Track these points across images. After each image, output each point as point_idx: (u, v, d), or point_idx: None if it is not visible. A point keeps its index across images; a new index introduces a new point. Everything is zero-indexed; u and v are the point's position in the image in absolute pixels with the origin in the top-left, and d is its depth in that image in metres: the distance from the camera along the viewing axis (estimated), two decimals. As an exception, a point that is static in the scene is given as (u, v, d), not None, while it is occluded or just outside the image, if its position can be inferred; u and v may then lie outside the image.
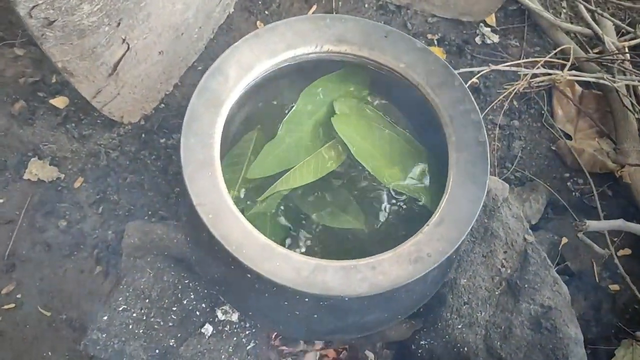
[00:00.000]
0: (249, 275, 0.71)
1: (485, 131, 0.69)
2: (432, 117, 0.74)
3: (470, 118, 0.70)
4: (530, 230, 1.01)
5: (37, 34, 0.97)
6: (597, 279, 1.31)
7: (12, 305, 1.24)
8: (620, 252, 1.34)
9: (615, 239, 1.33)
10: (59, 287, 1.27)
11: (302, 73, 0.80)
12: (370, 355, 1.12)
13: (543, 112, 1.54)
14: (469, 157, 0.68)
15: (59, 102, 1.43)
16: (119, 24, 1.11)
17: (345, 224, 0.76)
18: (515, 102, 1.57)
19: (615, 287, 1.31)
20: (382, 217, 0.76)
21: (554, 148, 1.50)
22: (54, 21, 0.95)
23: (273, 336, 1.13)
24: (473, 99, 0.71)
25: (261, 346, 1.03)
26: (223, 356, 1.00)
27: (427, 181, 0.77)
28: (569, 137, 1.50)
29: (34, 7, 0.89)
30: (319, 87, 0.80)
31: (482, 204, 0.65)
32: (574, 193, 1.44)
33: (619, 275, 1.33)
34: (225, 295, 0.80)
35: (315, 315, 0.71)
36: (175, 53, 1.41)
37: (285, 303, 0.70)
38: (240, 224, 0.63)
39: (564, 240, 1.34)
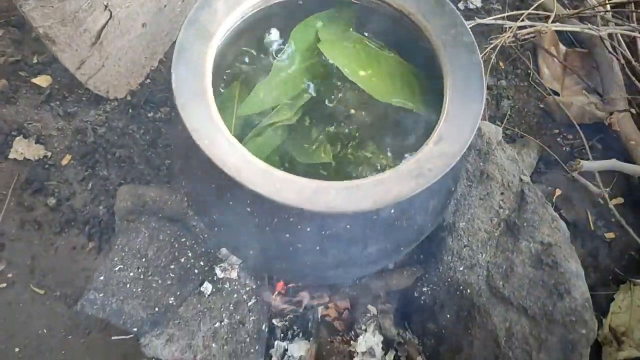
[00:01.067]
0: (248, 209, 0.69)
1: (478, 52, 0.69)
2: (424, 44, 0.74)
3: (463, 40, 0.70)
4: (525, 171, 1.01)
5: (17, -6, 0.95)
6: (592, 227, 1.31)
7: (4, 284, 1.21)
8: (614, 202, 1.35)
9: (607, 189, 1.34)
10: (51, 265, 1.24)
11: (292, 11, 0.80)
12: (373, 309, 1.11)
13: (529, 71, 1.55)
14: (463, 77, 0.68)
15: (42, 80, 1.41)
16: (100, -13, 1.09)
17: (314, 159, 0.74)
18: (501, 64, 1.58)
19: (610, 235, 1.32)
20: (376, 142, 0.75)
21: (542, 106, 1.51)
22: (34, -21, 0.93)
23: (274, 295, 1.12)
24: (465, 22, 0.71)
25: (262, 303, 1.02)
26: (224, 314, 0.99)
27: (421, 96, 0.76)
28: (557, 94, 1.52)
29: (12, -38, 0.87)
30: (309, 25, 0.80)
31: (480, 120, 0.65)
32: (564, 148, 1.45)
33: (614, 224, 1.34)
34: (223, 237, 0.78)
35: (318, 248, 0.70)
36: (158, 26, 1.39)
37: (287, 236, 0.69)
38: (237, 151, 0.62)
39: (558, 191, 1.35)
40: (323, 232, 0.69)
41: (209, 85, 0.66)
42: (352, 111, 0.77)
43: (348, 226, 0.69)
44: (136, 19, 1.28)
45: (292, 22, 0.81)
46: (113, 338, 1.17)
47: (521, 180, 1.00)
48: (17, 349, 1.15)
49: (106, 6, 1.14)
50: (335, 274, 0.76)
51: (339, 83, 0.79)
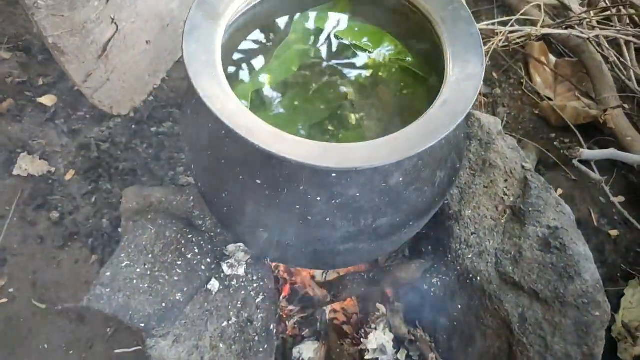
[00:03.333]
0: (258, 182, 0.70)
1: (476, 24, 0.72)
2: (424, 24, 0.77)
3: (461, 15, 0.73)
4: (527, 159, 1.03)
5: (29, 3, 0.98)
6: (596, 224, 1.32)
7: (5, 300, 1.19)
8: (615, 200, 1.35)
9: (605, 177, 1.35)
10: (54, 279, 1.22)
11: (296, 2, 0.84)
12: (382, 308, 1.10)
13: (522, 80, 1.60)
14: (463, 47, 0.70)
15: (47, 100, 1.44)
16: (107, 0, 1.13)
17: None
18: (494, 74, 1.62)
19: (614, 232, 1.32)
20: (380, 109, 0.77)
21: (537, 112, 1.55)
22: (46, -13, 0.97)
23: (280, 297, 1.10)
24: (461, -1, 0.75)
25: (270, 300, 1.00)
26: (232, 313, 0.97)
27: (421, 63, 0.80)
28: (551, 100, 1.56)
29: (26, -31, 0.91)
30: (309, 18, 0.84)
31: (481, 81, 0.66)
32: (561, 150, 1.47)
33: (617, 222, 1.35)
34: (232, 220, 0.78)
35: (328, 219, 0.70)
36: (162, 44, 1.44)
37: (297, 207, 0.70)
38: (247, 115, 0.63)
39: (560, 191, 1.36)
40: (333, 202, 0.69)
41: (219, 59, 0.68)
42: (352, 90, 0.80)
43: (357, 194, 0.69)
44: (140, 35, 1.33)
45: (297, 11, 0.85)
46: (116, 351, 1.14)
47: (523, 167, 1.01)
48: (17, 365, 1.12)
49: (113, 19, 1.19)
50: (345, 250, 0.76)
51: (336, 67, 0.82)
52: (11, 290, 1.20)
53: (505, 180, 1.01)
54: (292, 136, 0.63)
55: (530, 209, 0.97)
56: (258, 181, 0.70)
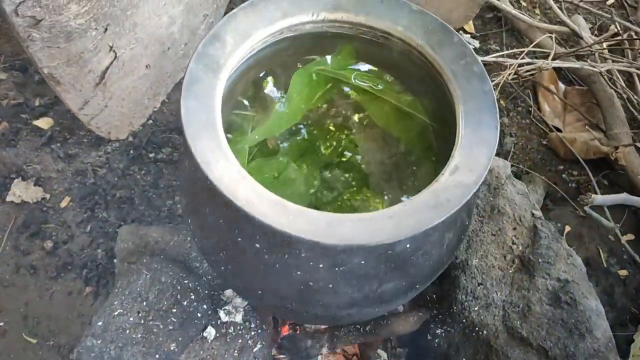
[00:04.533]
0: (257, 245, 0.66)
1: (489, 81, 0.68)
2: (434, 76, 0.73)
3: (473, 70, 0.70)
4: (537, 205, 0.99)
5: (24, 35, 0.95)
6: (605, 264, 1.28)
7: (-6, 334, 1.15)
8: (624, 238, 1.32)
9: (618, 225, 1.31)
10: (46, 312, 1.19)
11: (300, 46, 0.80)
12: (383, 354, 1.06)
13: (530, 109, 1.56)
14: (476, 106, 0.67)
15: (43, 123, 1.40)
16: (106, 29, 1.10)
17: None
18: (502, 102, 1.59)
19: (624, 272, 1.28)
20: (388, 173, 0.74)
21: (545, 142, 1.51)
22: (41, 20, 0.93)
23: (279, 339, 1.07)
24: (474, 52, 0.71)
25: (268, 349, 0.97)
26: (228, 361, 0.94)
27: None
28: (559, 131, 1.52)
29: (20, 3, 0.87)
30: (309, 70, 0.80)
31: (495, 148, 0.63)
32: (570, 184, 1.44)
33: (626, 261, 1.31)
34: (230, 278, 0.75)
35: (331, 286, 0.67)
36: (162, 68, 1.40)
37: (298, 273, 0.66)
38: (248, 183, 0.59)
39: (567, 228, 1.32)
40: (336, 269, 0.66)
41: (219, 117, 0.64)
42: (357, 151, 0.76)
43: (362, 262, 0.66)
44: (140, 61, 1.29)
45: (300, 57, 0.81)
46: (108, 390, 1.10)
47: (533, 215, 0.98)
48: (5, 404, 1.08)
49: (111, 47, 1.15)
50: (348, 314, 0.72)
51: (338, 128, 0.79)
52: (1, 323, 1.16)
53: (514, 228, 0.97)
54: (294, 206, 0.60)
55: (539, 259, 0.94)
56: (257, 245, 0.66)
